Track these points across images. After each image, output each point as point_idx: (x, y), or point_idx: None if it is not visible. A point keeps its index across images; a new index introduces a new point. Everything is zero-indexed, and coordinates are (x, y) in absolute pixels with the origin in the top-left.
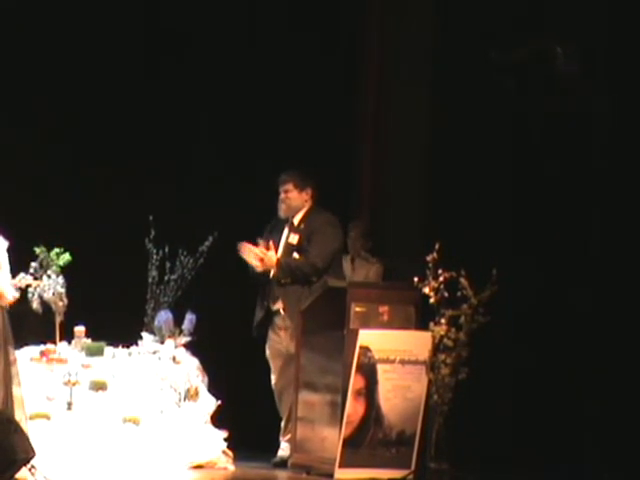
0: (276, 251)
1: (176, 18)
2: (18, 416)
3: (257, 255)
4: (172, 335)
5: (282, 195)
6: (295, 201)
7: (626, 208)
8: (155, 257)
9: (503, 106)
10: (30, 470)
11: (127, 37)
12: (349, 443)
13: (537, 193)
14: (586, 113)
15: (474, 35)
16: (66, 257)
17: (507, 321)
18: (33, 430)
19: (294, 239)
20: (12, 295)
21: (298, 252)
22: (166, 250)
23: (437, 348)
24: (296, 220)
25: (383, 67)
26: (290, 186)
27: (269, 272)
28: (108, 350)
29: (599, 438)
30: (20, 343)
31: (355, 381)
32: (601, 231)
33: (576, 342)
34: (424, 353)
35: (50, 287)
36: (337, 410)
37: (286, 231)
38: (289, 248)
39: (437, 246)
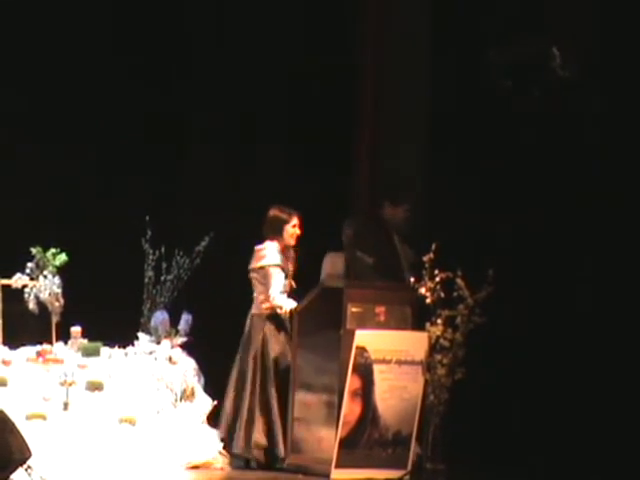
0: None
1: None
2: None
3: None
4: (168, 335)
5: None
6: None
7: (626, 207)
8: (151, 257)
9: (501, 106)
10: (26, 470)
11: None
12: (345, 443)
13: (535, 193)
14: (583, 113)
15: (472, 35)
16: (62, 257)
17: (503, 321)
18: (29, 430)
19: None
20: None
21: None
22: (162, 250)
23: (433, 348)
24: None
25: (381, 63)
26: None
27: None
28: (104, 350)
29: (593, 438)
30: (16, 343)
31: (351, 381)
32: (602, 233)
33: (574, 342)
34: (420, 353)
35: (46, 287)
36: (333, 410)
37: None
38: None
39: (434, 246)
